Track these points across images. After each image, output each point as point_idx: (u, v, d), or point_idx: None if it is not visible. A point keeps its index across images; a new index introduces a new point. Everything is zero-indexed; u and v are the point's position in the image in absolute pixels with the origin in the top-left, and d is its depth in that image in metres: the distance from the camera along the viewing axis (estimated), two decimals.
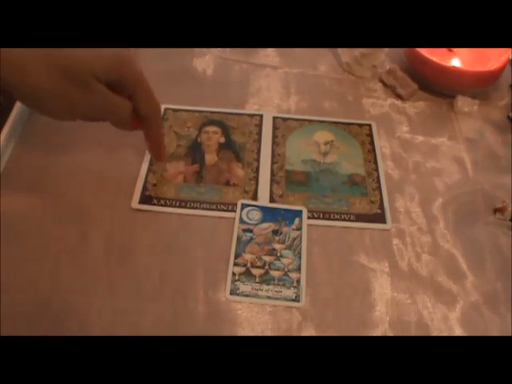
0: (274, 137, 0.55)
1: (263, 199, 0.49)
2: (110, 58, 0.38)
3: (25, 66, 0.36)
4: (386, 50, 0.64)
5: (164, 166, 0.50)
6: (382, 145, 0.56)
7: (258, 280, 0.44)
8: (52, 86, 0.37)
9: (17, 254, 0.44)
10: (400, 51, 0.64)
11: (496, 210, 0.50)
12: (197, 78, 0.61)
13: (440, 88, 0.61)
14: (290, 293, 0.43)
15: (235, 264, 0.45)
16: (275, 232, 0.47)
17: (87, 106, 0.39)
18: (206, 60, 0.63)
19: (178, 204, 0.48)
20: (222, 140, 0.54)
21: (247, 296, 0.43)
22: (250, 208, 0.48)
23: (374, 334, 0.41)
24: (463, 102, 0.59)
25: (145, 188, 0.49)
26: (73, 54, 0.37)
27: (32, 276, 0.43)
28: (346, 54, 0.63)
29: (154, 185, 0.50)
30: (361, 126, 0.57)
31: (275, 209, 0.49)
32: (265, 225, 0.47)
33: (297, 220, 0.48)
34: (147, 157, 0.52)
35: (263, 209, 0.48)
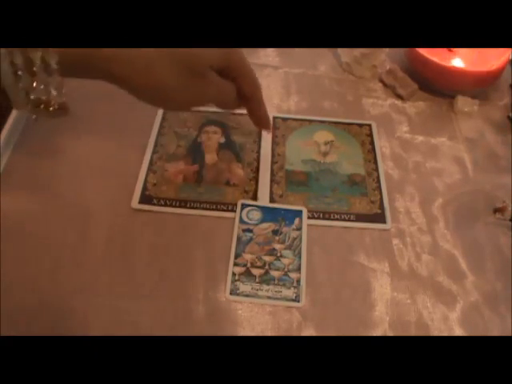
0: (274, 137, 0.55)
1: (263, 199, 0.49)
2: (221, 50, 0.42)
3: (150, 63, 0.39)
4: (386, 50, 0.64)
5: (269, 131, 0.52)
6: (381, 145, 0.56)
7: (257, 280, 0.44)
8: (176, 80, 0.40)
9: (17, 253, 0.44)
10: (400, 51, 0.64)
11: (496, 210, 0.50)
12: None
13: (440, 88, 0.61)
14: (289, 293, 0.43)
15: (235, 264, 0.45)
16: (275, 232, 0.47)
17: (203, 94, 0.43)
18: None
19: (177, 204, 0.48)
20: (222, 140, 0.54)
21: (247, 296, 0.43)
22: (249, 208, 0.48)
23: (374, 334, 0.41)
24: (463, 102, 0.59)
25: (145, 188, 0.49)
26: (191, 50, 0.40)
27: (32, 276, 0.43)
28: (346, 53, 0.63)
29: (154, 185, 0.50)
30: (361, 126, 0.57)
31: (275, 209, 0.49)
32: (265, 225, 0.47)
33: (297, 220, 0.48)
34: (147, 157, 0.52)
35: (263, 209, 0.48)
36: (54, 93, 0.37)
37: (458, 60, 0.60)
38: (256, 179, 0.51)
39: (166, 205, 0.48)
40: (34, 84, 0.36)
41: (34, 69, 0.35)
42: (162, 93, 0.41)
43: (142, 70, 0.39)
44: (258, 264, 0.45)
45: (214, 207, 0.48)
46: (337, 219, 0.48)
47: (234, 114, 0.57)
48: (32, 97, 0.36)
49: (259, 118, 0.50)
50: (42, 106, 0.37)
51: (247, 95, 0.46)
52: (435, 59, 0.58)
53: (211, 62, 0.41)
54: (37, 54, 0.35)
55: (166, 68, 0.39)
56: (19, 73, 0.35)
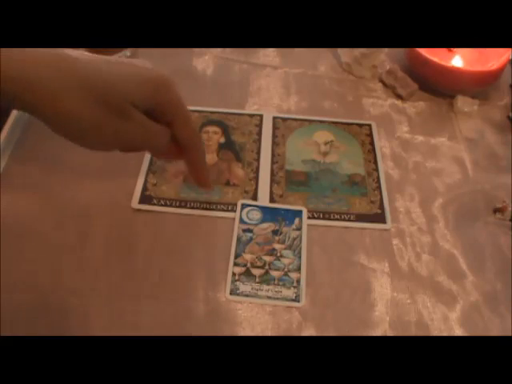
0: (274, 137, 0.55)
1: (263, 199, 0.49)
2: (148, 84, 0.37)
3: (57, 92, 0.33)
4: (386, 50, 0.64)
5: (209, 190, 0.48)
6: (382, 145, 0.56)
7: (258, 280, 0.44)
8: (87, 114, 0.34)
9: (17, 253, 0.44)
10: (400, 51, 0.64)
11: (496, 210, 0.50)
12: (197, 78, 0.61)
13: (440, 88, 0.61)
14: (289, 293, 0.43)
15: (235, 264, 0.45)
16: (275, 232, 0.47)
17: (124, 135, 0.37)
18: (205, 60, 0.63)
19: (177, 204, 0.48)
20: (222, 140, 0.54)
21: (247, 296, 0.43)
22: (250, 208, 0.48)
23: (374, 334, 0.41)
24: (463, 102, 0.59)
25: (145, 188, 0.49)
26: (109, 79, 0.35)
27: (32, 276, 0.43)
28: (346, 53, 0.63)
29: (154, 185, 0.50)
30: (361, 126, 0.57)
31: (275, 209, 0.49)
32: (265, 225, 0.47)
33: (297, 220, 0.48)
34: (147, 157, 0.52)
35: (263, 209, 0.48)
36: None
37: (458, 60, 0.60)
38: (256, 179, 0.51)
39: (165, 205, 0.48)
40: None
41: None
42: (74, 127, 0.35)
43: (50, 98, 0.33)
44: (258, 264, 0.45)
45: (214, 207, 0.48)
46: (337, 219, 0.48)
47: (234, 114, 0.57)
48: None
49: (197, 174, 0.45)
50: None
51: (183, 143, 0.41)
52: (435, 59, 0.58)
53: (133, 99, 0.36)
54: None
55: (77, 98, 0.34)
56: None
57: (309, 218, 0.48)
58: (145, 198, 0.48)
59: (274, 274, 0.44)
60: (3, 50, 0.32)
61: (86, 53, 0.36)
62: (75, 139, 0.37)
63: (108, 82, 0.35)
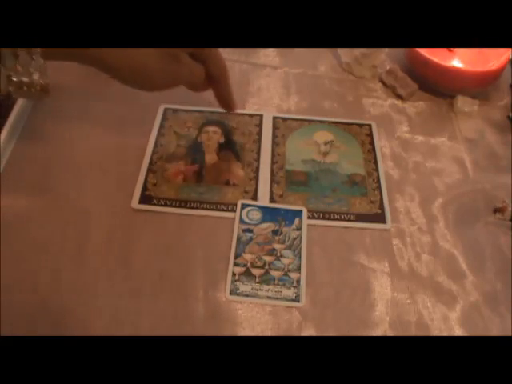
0: (274, 137, 0.55)
1: (263, 199, 0.49)
2: None
3: (125, 51, 0.41)
4: (386, 50, 0.64)
5: (235, 110, 0.53)
6: (381, 145, 0.56)
7: (257, 280, 0.44)
8: (155, 62, 0.42)
9: (17, 253, 0.44)
10: (400, 51, 0.64)
11: (496, 210, 0.50)
12: None
13: (440, 88, 0.61)
14: (289, 293, 0.43)
15: (235, 264, 0.45)
16: (275, 232, 0.47)
17: (177, 75, 0.45)
18: None
19: (177, 204, 0.48)
20: (222, 140, 0.54)
21: (247, 296, 0.43)
22: (250, 208, 0.48)
23: (374, 334, 0.41)
24: (463, 102, 0.59)
25: (145, 188, 0.49)
26: None
27: (32, 276, 0.43)
28: (346, 53, 0.63)
29: (154, 185, 0.50)
30: (361, 126, 0.57)
31: (275, 209, 0.49)
32: (265, 225, 0.47)
33: (297, 220, 0.48)
34: (147, 157, 0.52)
35: (263, 209, 0.48)
36: (36, 75, 0.38)
37: (458, 60, 0.60)
38: (256, 179, 0.51)
39: (165, 205, 0.48)
40: (17, 66, 0.36)
41: (17, 51, 0.36)
42: (138, 72, 0.43)
43: (119, 51, 0.41)
44: (258, 264, 0.45)
45: (214, 207, 0.48)
46: (337, 219, 0.48)
47: (234, 114, 0.57)
48: (14, 79, 0.37)
49: (225, 99, 0.52)
50: (25, 88, 0.38)
51: (215, 77, 0.48)
52: (435, 59, 0.58)
53: (184, 49, 0.44)
54: None
55: (148, 51, 0.42)
56: (2, 54, 0.35)
57: (309, 218, 0.48)
58: (145, 198, 0.48)
59: (274, 273, 0.44)
60: None
61: None
62: (138, 84, 0.45)
63: None
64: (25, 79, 0.37)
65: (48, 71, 0.38)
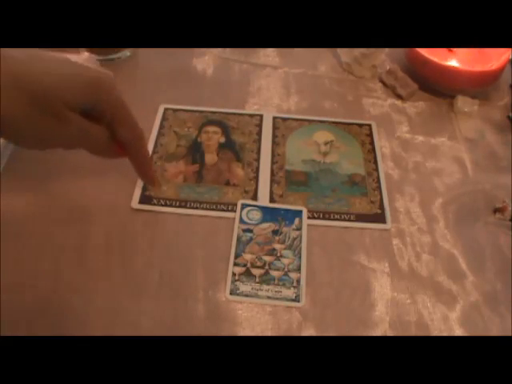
0: (274, 137, 0.55)
1: (263, 199, 0.49)
2: (83, 84, 0.36)
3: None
4: (386, 50, 0.64)
5: (157, 188, 0.48)
6: (382, 145, 0.56)
7: (257, 280, 0.44)
8: (21, 114, 0.34)
9: (17, 253, 0.44)
10: (400, 51, 0.64)
11: (496, 210, 0.50)
12: (197, 78, 0.61)
13: (440, 88, 0.61)
14: (289, 293, 0.43)
15: (235, 264, 0.45)
16: (275, 232, 0.47)
17: (61, 136, 0.38)
18: (205, 60, 0.63)
19: (177, 204, 0.48)
20: (222, 140, 0.54)
21: (247, 296, 0.43)
22: (250, 208, 0.48)
23: (374, 334, 0.41)
24: (463, 102, 0.59)
25: (145, 188, 0.49)
26: (42, 79, 0.34)
27: (32, 276, 0.43)
28: (345, 53, 0.63)
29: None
30: (361, 126, 0.57)
31: (275, 209, 0.49)
32: (265, 225, 0.47)
33: (297, 220, 0.48)
34: None
35: (263, 209, 0.48)
36: None
37: (458, 60, 0.60)
38: (256, 179, 0.51)
39: (166, 205, 0.48)
40: None
41: None
42: (9, 127, 0.35)
43: None
44: (258, 264, 0.45)
45: (214, 207, 0.48)
46: (337, 219, 0.48)
47: (234, 114, 0.57)
48: None
49: (143, 170, 0.45)
50: None
51: (125, 142, 0.41)
52: (435, 59, 0.58)
53: (68, 100, 0.36)
54: None
55: (11, 98, 0.33)
56: None
57: (309, 217, 0.48)
58: (145, 198, 0.48)
59: (274, 273, 0.44)
60: None
61: (32, 51, 0.35)
62: (11, 138, 0.38)
63: (43, 83, 0.34)
64: None
65: None
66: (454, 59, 0.59)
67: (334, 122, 0.57)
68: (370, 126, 0.57)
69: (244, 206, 0.48)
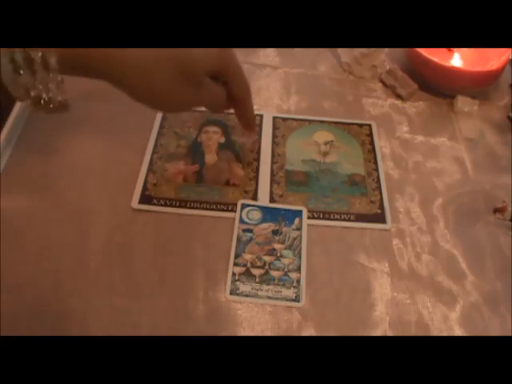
0: (274, 137, 0.55)
1: (263, 199, 0.49)
2: (217, 55, 0.42)
3: (148, 69, 0.39)
4: (386, 50, 0.64)
5: (254, 133, 0.54)
6: (381, 145, 0.56)
7: (257, 280, 0.44)
8: (172, 85, 0.40)
9: (17, 254, 0.44)
10: (400, 51, 0.64)
11: (496, 210, 0.50)
12: None
13: (440, 88, 0.61)
14: (289, 293, 0.43)
15: (235, 264, 0.45)
16: (275, 232, 0.47)
17: (197, 99, 0.43)
18: None
19: (177, 204, 0.48)
20: (222, 140, 0.54)
21: (247, 296, 0.43)
22: (249, 208, 0.48)
23: (374, 334, 0.41)
24: (463, 102, 0.59)
25: (145, 188, 0.49)
26: (189, 54, 0.40)
27: (32, 276, 0.43)
28: (346, 53, 0.63)
29: (154, 185, 0.50)
30: (361, 126, 0.57)
31: (275, 209, 0.49)
32: (265, 225, 0.47)
33: (297, 220, 0.48)
34: (147, 157, 0.52)
35: (263, 209, 0.48)
36: (54, 90, 0.37)
37: (458, 60, 0.60)
38: (256, 179, 0.51)
39: (165, 205, 0.48)
40: (35, 82, 0.36)
41: (35, 67, 0.35)
42: (157, 96, 0.41)
43: (138, 73, 0.39)
44: (258, 264, 0.45)
45: (214, 207, 0.48)
46: (337, 219, 0.48)
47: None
48: (32, 94, 0.36)
49: (247, 120, 0.50)
50: (43, 103, 0.37)
51: (238, 98, 0.46)
52: (435, 59, 0.58)
53: (207, 68, 0.42)
54: (37, 53, 0.35)
55: (163, 72, 0.39)
56: (20, 71, 0.35)
57: (309, 218, 0.48)
58: (145, 198, 0.48)
59: (274, 273, 0.44)
60: None
61: None
62: (156, 105, 0.44)
63: (189, 57, 0.40)
64: (43, 95, 0.37)
65: (65, 87, 0.38)
66: (454, 59, 0.59)
67: (333, 122, 0.57)
68: (369, 126, 0.57)
69: (244, 206, 0.48)
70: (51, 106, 0.37)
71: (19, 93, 0.36)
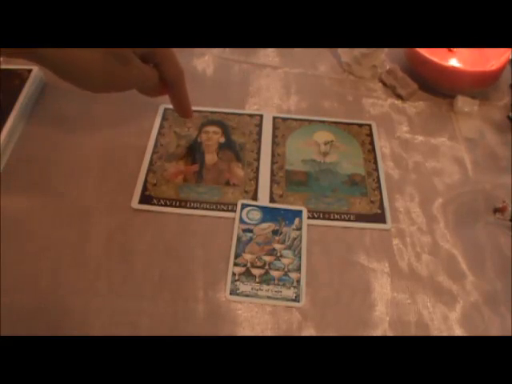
0: (274, 137, 0.55)
1: (263, 199, 0.49)
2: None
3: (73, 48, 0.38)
4: (386, 50, 0.64)
5: (191, 117, 0.52)
6: (381, 145, 0.56)
7: (258, 280, 0.44)
8: (98, 62, 0.40)
9: (17, 254, 0.44)
10: (400, 51, 0.64)
11: (496, 210, 0.50)
12: (197, 78, 0.61)
13: (440, 88, 0.61)
14: (289, 293, 0.43)
15: (235, 264, 0.45)
16: (275, 232, 0.47)
17: (125, 76, 0.42)
18: (205, 60, 0.63)
19: (177, 204, 0.48)
20: (222, 140, 0.54)
21: (247, 296, 0.43)
22: (249, 208, 0.48)
23: (374, 334, 0.41)
24: (463, 102, 0.59)
25: (145, 188, 0.49)
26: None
27: (32, 276, 0.43)
28: (346, 53, 0.63)
29: (154, 185, 0.50)
30: (361, 126, 0.57)
31: (275, 209, 0.49)
32: (265, 225, 0.47)
33: (297, 220, 0.48)
34: (147, 157, 0.52)
35: (263, 209, 0.48)
36: None
37: (458, 60, 0.59)
38: (256, 179, 0.51)
39: (165, 205, 0.48)
40: None
41: None
42: (81, 72, 0.40)
43: (68, 52, 0.39)
44: (258, 264, 0.45)
45: (214, 207, 0.48)
46: (337, 219, 0.48)
47: (234, 114, 0.57)
48: None
49: (181, 105, 0.50)
50: None
51: (170, 81, 0.46)
52: (435, 59, 0.58)
53: (135, 48, 0.41)
54: None
55: (92, 50, 0.39)
56: None
57: (309, 217, 0.48)
58: (145, 198, 0.48)
59: (274, 273, 0.44)
60: None
61: None
62: (84, 85, 0.42)
63: None
64: None
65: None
66: (454, 59, 0.59)
67: (334, 122, 0.57)
68: (369, 126, 0.57)
69: (244, 205, 0.48)
70: None
71: None
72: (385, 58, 0.64)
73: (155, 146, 0.53)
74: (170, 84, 0.46)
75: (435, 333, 0.42)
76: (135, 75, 0.43)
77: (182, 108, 0.50)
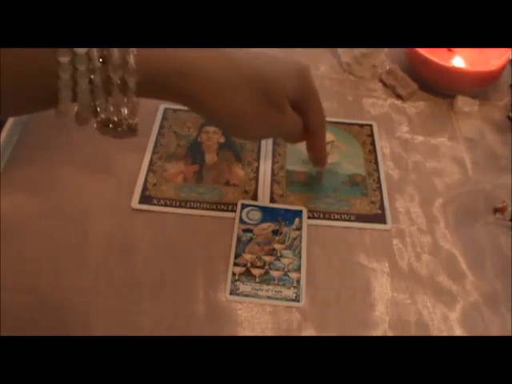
0: None
1: (263, 199, 0.49)
2: (296, 76, 0.39)
3: (224, 86, 0.36)
4: (386, 50, 0.64)
5: (324, 166, 0.50)
6: (382, 145, 0.56)
7: (257, 280, 0.44)
8: (250, 108, 0.37)
9: (17, 253, 0.44)
10: (400, 51, 0.64)
11: (496, 210, 0.50)
12: None
13: (440, 88, 0.61)
14: (289, 293, 0.43)
15: (235, 264, 0.45)
16: (275, 232, 0.47)
17: (280, 126, 0.40)
18: None
19: (177, 204, 0.48)
20: (222, 140, 0.54)
21: (247, 296, 0.43)
22: (249, 208, 0.48)
23: (374, 334, 0.41)
24: (463, 102, 0.59)
25: (145, 188, 0.49)
26: (269, 76, 0.37)
27: (32, 276, 0.43)
28: (346, 53, 0.63)
29: (154, 185, 0.50)
30: (361, 126, 0.57)
31: (275, 209, 0.49)
32: (265, 225, 0.47)
33: (297, 220, 0.48)
34: (147, 157, 0.52)
35: (263, 209, 0.48)
36: (125, 114, 0.35)
37: (458, 60, 0.60)
38: (256, 179, 0.51)
39: (166, 205, 0.48)
40: (107, 104, 0.34)
41: (111, 88, 0.33)
42: (238, 119, 0.38)
43: (215, 93, 0.36)
44: (258, 264, 0.45)
45: (214, 207, 0.48)
46: (337, 219, 0.48)
47: None
48: (102, 116, 0.34)
49: (318, 153, 0.48)
50: (111, 126, 0.35)
51: (313, 129, 0.44)
52: (435, 59, 0.58)
53: (289, 92, 0.39)
54: (117, 74, 0.33)
55: (242, 93, 0.37)
56: (96, 92, 0.33)
57: (309, 218, 0.48)
58: (145, 198, 0.48)
59: (274, 273, 0.44)
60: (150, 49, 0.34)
61: (248, 50, 0.39)
62: (237, 131, 0.41)
63: (269, 78, 0.38)
64: (113, 117, 0.34)
65: (138, 111, 0.35)
66: (454, 59, 0.59)
67: (334, 122, 0.57)
68: (371, 126, 0.57)
69: (244, 206, 0.48)
70: (119, 129, 0.35)
71: (85, 113, 0.33)
72: (385, 58, 0.64)
73: (155, 146, 0.53)
74: (311, 132, 0.44)
75: (435, 333, 0.42)
76: (288, 123, 0.41)
77: (319, 156, 0.48)
